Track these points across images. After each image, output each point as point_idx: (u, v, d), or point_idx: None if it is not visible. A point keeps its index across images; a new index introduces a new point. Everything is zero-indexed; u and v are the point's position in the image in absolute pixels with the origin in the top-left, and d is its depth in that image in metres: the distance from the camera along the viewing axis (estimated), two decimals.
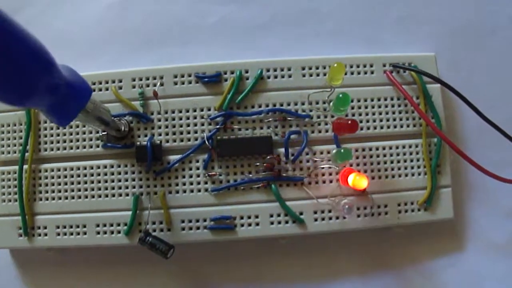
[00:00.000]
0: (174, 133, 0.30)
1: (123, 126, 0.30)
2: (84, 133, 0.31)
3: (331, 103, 0.29)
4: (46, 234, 0.30)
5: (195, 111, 0.30)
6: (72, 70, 0.23)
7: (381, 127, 0.31)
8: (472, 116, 0.30)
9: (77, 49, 0.33)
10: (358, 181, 0.27)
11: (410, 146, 0.31)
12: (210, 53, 0.33)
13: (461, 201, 0.32)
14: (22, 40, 0.18)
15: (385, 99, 0.31)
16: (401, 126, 0.31)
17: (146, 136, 0.30)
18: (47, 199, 0.30)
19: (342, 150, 0.27)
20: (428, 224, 0.31)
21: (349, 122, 0.27)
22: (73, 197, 0.30)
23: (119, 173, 0.30)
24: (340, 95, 0.27)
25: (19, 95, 0.19)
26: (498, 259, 0.32)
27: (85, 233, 0.30)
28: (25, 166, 0.30)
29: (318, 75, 0.31)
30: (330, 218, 0.30)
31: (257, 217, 0.30)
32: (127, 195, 0.30)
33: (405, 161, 0.31)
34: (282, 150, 0.30)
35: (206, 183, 0.30)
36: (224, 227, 0.30)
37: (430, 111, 0.31)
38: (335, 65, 0.27)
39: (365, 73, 0.31)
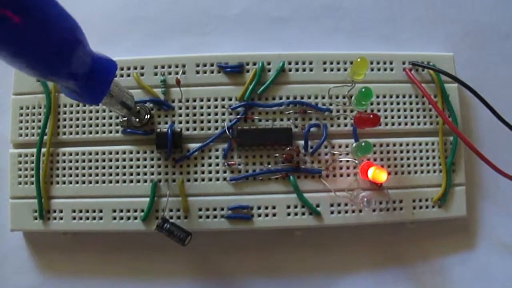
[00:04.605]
0: (194, 122, 0.30)
1: (144, 112, 0.30)
2: (104, 118, 0.31)
3: (352, 98, 0.29)
4: (61, 218, 0.30)
5: (216, 100, 0.31)
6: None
7: (399, 124, 0.31)
8: (487, 116, 0.30)
9: (98, 35, 0.33)
10: (377, 174, 0.28)
11: (426, 144, 0.31)
12: (231, 44, 0.33)
13: (474, 200, 0.33)
14: (59, 12, 0.18)
15: (404, 96, 0.31)
16: (418, 124, 0.31)
17: (166, 123, 0.30)
18: (64, 182, 0.30)
19: (363, 144, 0.28)
20: (440, 221, 0.31)
21: (371, 116, 0.27)
22: (90, 182, 0.30)
23: (138, 159, 0.30)
24: (363, 89, 0.27)
25: (52, 66, 0.19)
26: (508, 258, 0.32)
27: (101, 218, 0.30)
28: (43, 149, 0.30)
29: (339, 70, 0.31)
30: (346, 212, 0.30)
31: (274, 207, 0.30)
32: (145, 181, 0.30)
33: (421, 158, 0.31)
34: (301, 142, 0.30)
35: (225, 172, 0.30)
36: (241, 217, 0.30)
37: (447, 109, 0.31)
38: (359, 59, 0.27)
39: (385, 70, 0.32)
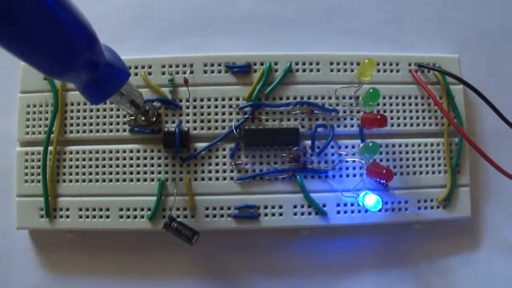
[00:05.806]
0: (202, 121, 0.31)
1: (151, 111, 0.30)
2: (111, 116, 0.31)
3: (359, 98, 0.30)
4: (68, 216, 0.30)
5: (223, 100, 0.31)
6: (113, 52, 0.23)
7: (405, 125, 0.31)
8: (492, 117, 0.30)
9: (106, 34, 0.33)
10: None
11: (431, 145, 0.31)
12: (237, 44, 0.34)
13: (478, 201, 0.33)
14: (71, 11, 0.18)
15: (409, 98, 0.32)
16: (424, 125, 0.32)
17: (174, 122, 0.31)
18: (70, 181, 0.30)
19: (370, 144, 0.28)
20: (445, 221, 0.32)
21: (379, 116, 0.28)
22: (97, 180, 0.30)
23: (145, 158, 0.30)
24: (371, 90, 0.27)
25: (60, 66, 0.19)
26: None
27: (107, 217, 0.30)
28: (50, 148, 0.30)
29: (345, 70, 0.31)
30: (352, 212, 0.30)
31: (280, 207, 0.30)
32: (152, 180, 0.30)
33: (426, 158, 0.31)
34: (308, 142, 0.30)
35: (232, 171, 0.30)
36: (248, 216, 0.30)
37: (452, 111, 0.32)
38: (366, 61, 0.28)
39: (391, 71, 0.32)
